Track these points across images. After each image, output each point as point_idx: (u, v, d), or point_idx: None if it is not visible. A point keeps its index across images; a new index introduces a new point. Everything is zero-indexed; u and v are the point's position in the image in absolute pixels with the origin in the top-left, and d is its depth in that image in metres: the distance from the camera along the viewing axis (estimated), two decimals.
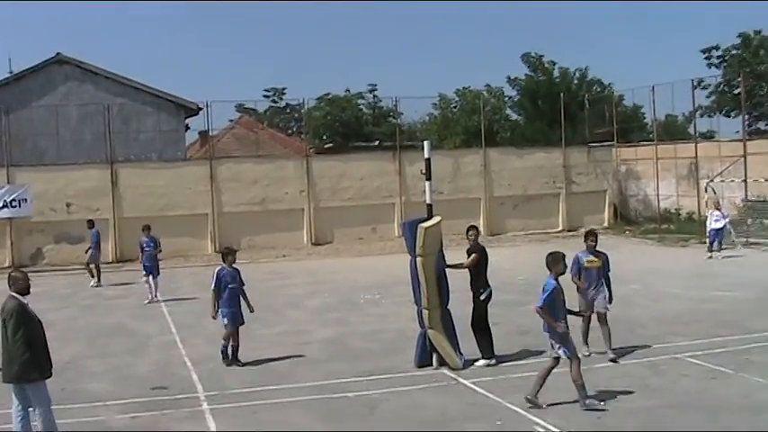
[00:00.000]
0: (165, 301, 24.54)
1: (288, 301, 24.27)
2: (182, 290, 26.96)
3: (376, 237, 39.50)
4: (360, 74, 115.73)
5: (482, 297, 15.34)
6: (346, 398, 13.52)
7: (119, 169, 37.02)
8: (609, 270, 15.61)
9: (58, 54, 39.37)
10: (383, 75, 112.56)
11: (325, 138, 56.40)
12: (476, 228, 16.28)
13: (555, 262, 12.63)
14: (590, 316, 15.47)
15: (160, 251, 26.15)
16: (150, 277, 25.15)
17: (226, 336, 16.37)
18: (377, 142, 48.25)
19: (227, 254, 16.85)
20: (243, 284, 16.69)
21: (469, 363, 15.13)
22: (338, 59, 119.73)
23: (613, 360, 15.09)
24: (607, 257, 15.59)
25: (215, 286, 16.36)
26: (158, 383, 14.87)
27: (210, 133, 42.50)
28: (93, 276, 28.95)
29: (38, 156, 37.45)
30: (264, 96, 70.08)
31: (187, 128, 43.73)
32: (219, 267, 16.63)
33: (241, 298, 16.60)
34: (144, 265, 25.53)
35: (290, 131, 67.61)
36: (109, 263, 34.45)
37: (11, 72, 42.22)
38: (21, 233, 35.61)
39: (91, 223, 29.74)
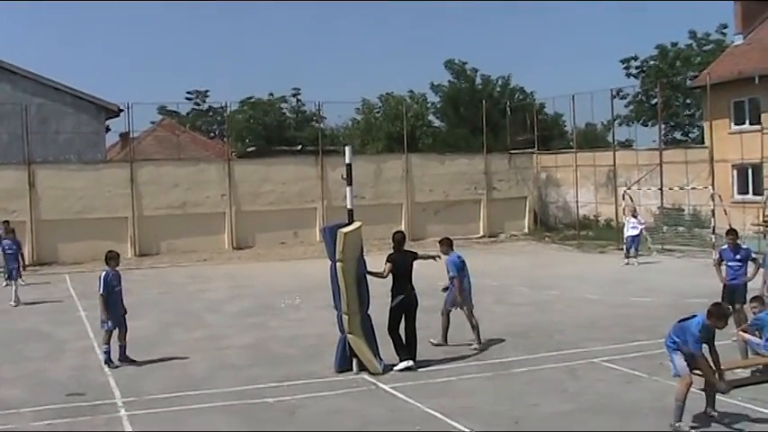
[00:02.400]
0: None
1: (207, 305, 24.09)
2: None
3: (297, 241, 39.43)
4: (283, 78, 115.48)
5: (392, 304, 15.55)
6: (266, 403, 13.46)
7: (36, 170, 36.32)
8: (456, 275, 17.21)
9: None
10: (307, 79, 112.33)
11: (247, 141, 56.17)
12: (399, 233, 16.52)
13: (717, 318, 11.50)
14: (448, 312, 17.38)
15: (22, 254, 26.12)
16: (12, 281, 24.99)
17: (106, 340, 16.49)
18: (299, 147, 48.13)
19: (112, 258, 16.85)
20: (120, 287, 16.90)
21: (389, 368, 15.19)
22: (261, 63, 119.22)
23: (438, 344, 17.09)
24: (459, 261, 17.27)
25: (104, 290, 16.36)
26: (75, 389, 14.62)
27: (131, 135, 41.97)
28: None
29: None
30: (187, 99, 69.75)
31: (107, 129, 43.08)
32: (105, 272, 16.59)
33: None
34: (9, 269, 25.20)
35: (212, 135, 67.26)
36: (25, 266, 33.82)
37: None
38: None
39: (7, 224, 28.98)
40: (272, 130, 56.35)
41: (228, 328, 20.36)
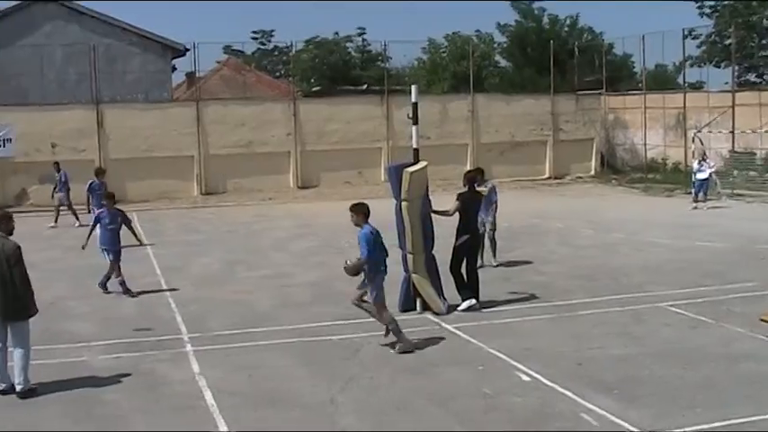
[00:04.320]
0: (150, 244, 24.39)
1: (272, 243, 24.27)
2: (167, 232, 26.93)
3: (362, 181, 39.44)
4: (349, 17, 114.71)
5: (457, 243, 15.50)
6: (329, 341, 13.58)
7: (104, 110, 36.67)
8: (496, 199, 19.47)
9: None
10: (372, 18, 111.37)
11: (312, 81, 56.02)
12: (472, 172, 16.85)
13: None
14: (482, 233, 18.55)
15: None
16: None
17: (110, 272, 17.54)
18: (365, 86, 47.92)
19: (109, 198, 18.42)
20: (130, 221, 18.48)
21: (453, 308, 15.19)
22: (327, 1, 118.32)
23: (498, 265, 19.27)
24: (493, 188, 19.43)
25: (93, 225, 17.84)
26: (142, 325, 14.88)
27: (197, 75, 42.18)
28: (56, 220, 28.50)
29: (21, 96, 36.82)
30: (252, 38, 69.53)
31: (174, 69, 43.36)
32: (100, 210, 18.08)
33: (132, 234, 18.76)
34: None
35: (277, 74, 67.15)
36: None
37: None
38: (5, 173, 35.28)
39: (57, 166, 29.43)
40: (338, 70, 56.13)
41: (293, 267, 20.52)
